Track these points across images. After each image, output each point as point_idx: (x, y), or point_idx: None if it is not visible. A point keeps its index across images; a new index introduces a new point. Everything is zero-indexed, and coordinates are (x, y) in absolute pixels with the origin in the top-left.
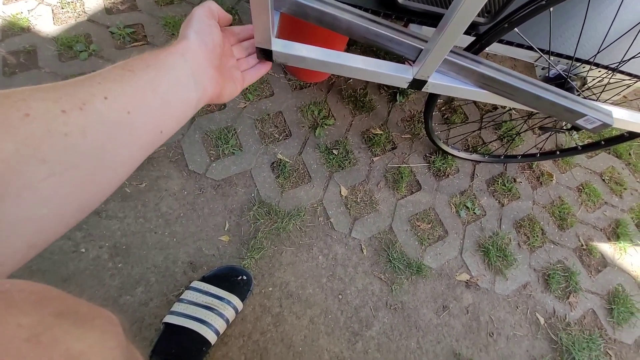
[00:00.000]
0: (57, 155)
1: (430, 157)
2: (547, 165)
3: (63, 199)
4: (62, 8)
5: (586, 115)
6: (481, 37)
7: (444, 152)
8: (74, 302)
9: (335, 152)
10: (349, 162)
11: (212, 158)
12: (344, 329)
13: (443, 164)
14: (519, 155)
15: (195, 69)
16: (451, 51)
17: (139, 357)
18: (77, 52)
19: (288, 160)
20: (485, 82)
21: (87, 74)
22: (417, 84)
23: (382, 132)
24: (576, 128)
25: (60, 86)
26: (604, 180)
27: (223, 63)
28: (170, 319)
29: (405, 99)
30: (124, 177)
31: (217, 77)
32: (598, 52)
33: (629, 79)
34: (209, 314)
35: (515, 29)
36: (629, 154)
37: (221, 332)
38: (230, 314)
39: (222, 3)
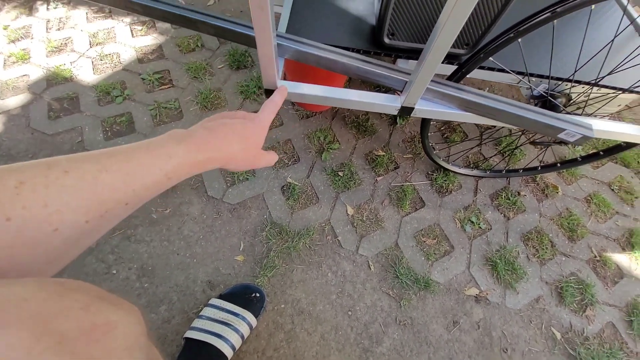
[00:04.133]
0: None
1: (432, 174)
2: (551, 177)
3: None
4: (101, 60)
5: (565, 129)
6: (462, 67)
7: (446, 169)
8: (107, 293)
9: (340, 174)
10: (354, 183)
11: (229, 184)
12: (354, 345)
13: (445, 180)
14: (521, 169)
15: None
16: (433, 81)
17: (155, 351)
18: (114, 97)
19: (297, 184)
20: (468, 106)
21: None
22: (406, 110)
23: (384, 153)
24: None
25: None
26: (612, 190)
27: None
28: (190, 334)
29: (406, 122)
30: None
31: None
32: (576, 71)
33: (612, 92)
34: (226, 329)
35: (491, 58)
36: (638, 162)
37: (237, 347)
38: (245, 329)
39: (236, 48)
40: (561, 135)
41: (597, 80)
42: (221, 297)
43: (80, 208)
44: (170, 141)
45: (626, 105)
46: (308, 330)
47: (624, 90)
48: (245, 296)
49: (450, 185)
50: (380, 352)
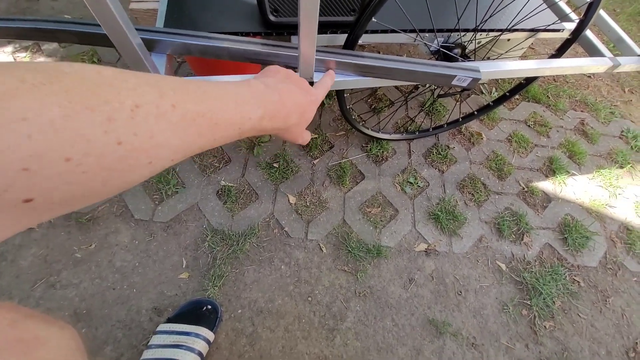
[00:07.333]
0: None
1: (367, 146)
2: (474, 126)
3: None
4: None
5: (456, 75)
6: (351, 32)
7: (377, 138)
8: (38, 312)
9: (276, 165)
10: (291, 171)
11: (157, 202)
12: (319, 328)
13: (379, 149)
14: (445, 123)
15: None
16: (322, 51)
17: None
18: None
19: (232, 185)
20: (364, 70)
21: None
22: None
23: (317, 135)
24: (467, 89)
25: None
26: (529, 126)
27: None
28: None
29: (333, 100)
30: None
31: None
32: (458, 21)
33: (496, 34)
34: (178, 351)
35: (374, 19)
36: (547, 96)
37: None
38: (201, 346)
39: None
40: (454, 82)
41: (479, 25)
42: (169, 320)
43: (174, 146)
44: (252, 100)
45: (529, 47)
46: (270, 327)
47: (502, 31)
48: (196, 312)
49: (385, 152)
50: (346, 327)
